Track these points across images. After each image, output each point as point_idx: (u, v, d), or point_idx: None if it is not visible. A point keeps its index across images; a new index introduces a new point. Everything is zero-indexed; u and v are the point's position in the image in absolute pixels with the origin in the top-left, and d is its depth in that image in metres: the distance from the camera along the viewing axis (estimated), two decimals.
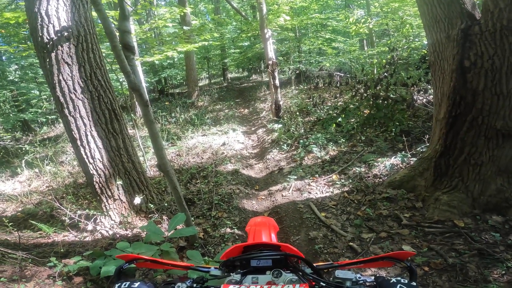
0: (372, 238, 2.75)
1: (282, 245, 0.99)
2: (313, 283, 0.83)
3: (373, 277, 0.83)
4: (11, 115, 10.49)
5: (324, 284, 0.81)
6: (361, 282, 0.81)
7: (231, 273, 0.89)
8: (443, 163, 2.87)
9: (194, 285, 0.86)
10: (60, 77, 2.79)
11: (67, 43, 2.75)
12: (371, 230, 2.87)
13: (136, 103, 8.05)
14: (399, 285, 0.74)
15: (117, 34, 1.92)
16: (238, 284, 0.84)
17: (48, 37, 2.72)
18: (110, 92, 3.12)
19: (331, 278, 0.84)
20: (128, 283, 0.80)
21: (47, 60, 2.77)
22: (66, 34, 2.71)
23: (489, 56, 2.48)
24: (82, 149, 3.13)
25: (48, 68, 2.81)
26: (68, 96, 2.86)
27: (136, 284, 0.79)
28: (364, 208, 3.18)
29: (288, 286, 0.77)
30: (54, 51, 2.73)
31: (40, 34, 2.72)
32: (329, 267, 0.93)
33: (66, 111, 2.95)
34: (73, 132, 3.06)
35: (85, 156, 3.16)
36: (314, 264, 0.91)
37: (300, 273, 0.86)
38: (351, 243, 2.72)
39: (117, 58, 1.70)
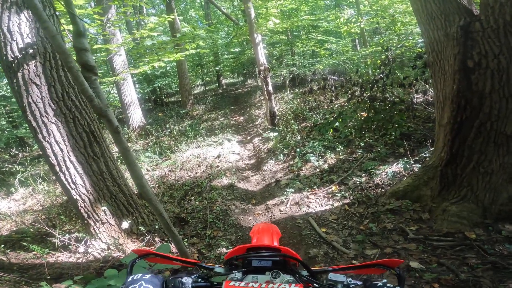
0: (376, 255, 2.53)
1: (282, 248, 1.07)
2: (308, 284, 0.90)
3: (361, 282, 0.88)
4: (5, 132, 10.22)
5: (317, 286, 0.89)
6: (352, 286, 0.86)
7: (233, 271, 0.96)
8: (450, 172, 2.65)
9: (199, 280, 0.94)
10: (30, 99, 2.57)
11: (33, 61, 2.51)
12: (375, 245, 2.65)
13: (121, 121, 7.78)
14: None
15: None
16: (239, 281, 0.91)
17: (13, 55, 2.49)
18: (87, 113, 2.90)
19: (324, 281, 0.90)
20: (140, 274, 0.85)
21: (14, 80, 2.54)
22: (31, 51, 2.47)
23: (494, 55, 2.28)
24: (62, 175, 2.93)
25: (16, 90, 2.59)
26: (40, 120, 2.64)
27: (147, 276, 0.84)
28: (366, 222, 2.96)
29: (285, 286, 0.85)
30: (21, 71, 2.50)
31: (5, 52, 2.49)
32: (324, 271, 0.98)
33: (40, 136, 2.73)
34: (50, 158, 2.84)
35: (66, 182, 2.96)
36: (311, 268, 0.97)
37: (297, 275, 0.92)
38: (354, 261, 2.50)
39: (75, 80, 1.48)
